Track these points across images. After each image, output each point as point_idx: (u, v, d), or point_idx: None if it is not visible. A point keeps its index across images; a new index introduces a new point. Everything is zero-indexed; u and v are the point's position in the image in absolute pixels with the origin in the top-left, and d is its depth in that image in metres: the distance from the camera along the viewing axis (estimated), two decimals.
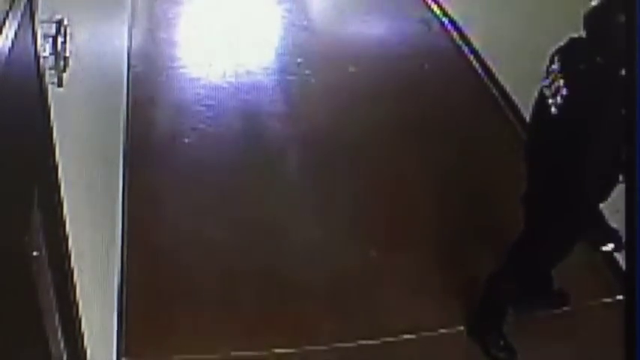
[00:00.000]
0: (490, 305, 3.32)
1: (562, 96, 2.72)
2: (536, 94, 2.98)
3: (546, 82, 2.83)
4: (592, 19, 2.65)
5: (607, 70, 2.55)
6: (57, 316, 1.94)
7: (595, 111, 2.60)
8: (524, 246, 3.10)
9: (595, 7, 2.65)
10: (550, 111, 2.77)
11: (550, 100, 2.77)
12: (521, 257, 3.13)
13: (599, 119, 2.58)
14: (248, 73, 5.38)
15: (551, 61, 2.84)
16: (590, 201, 2.77)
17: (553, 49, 2.87)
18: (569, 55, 2.79)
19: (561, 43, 2.86)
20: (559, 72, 2.77)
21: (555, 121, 2.78)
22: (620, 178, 2.61)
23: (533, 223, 3.05)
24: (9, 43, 1.47)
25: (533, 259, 3.13)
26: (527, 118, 4.59)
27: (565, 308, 3.49)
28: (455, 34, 5.82)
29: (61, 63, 1.93)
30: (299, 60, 5.54)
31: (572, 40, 2.82)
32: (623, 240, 3.37)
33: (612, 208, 2.83)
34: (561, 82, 2.74)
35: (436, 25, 6.01)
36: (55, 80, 1.95)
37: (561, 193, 2.78)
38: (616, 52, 2.48)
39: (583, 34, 2.71)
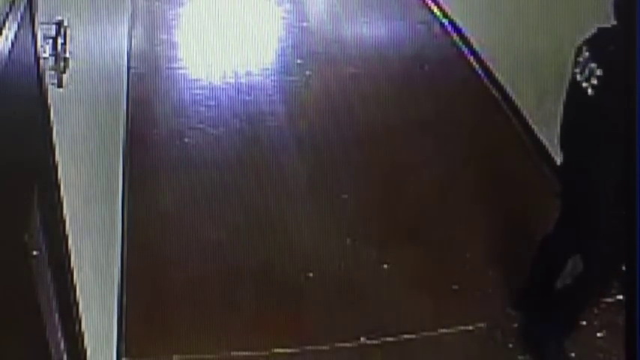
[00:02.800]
0: (541, 273, 3.34)
1: (597, 77, 2.74)
2: (565, 92, 3.00)
3: (578, 70, 2.87)
4: (621, 5, 2.66)
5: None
6: (57, 316, 1.94)
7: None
8: (566, 219, 3.15)
9: None
10: (586, 93, 2.80)
11: (584, 84, 2.81)
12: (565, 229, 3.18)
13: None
14: (248, 73, 5.39)
15: (579, 52, 2.88)
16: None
17: (580, 40, 2.90)
18: (598, 43, 2.82)
19: (587, 35, 2.88)
20: (589, 59, 2.80)
21: (593, 100, 2.79)
22: None
23: (573, 194, 3.09)
24: (9, 45, 1.47)
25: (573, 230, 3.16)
26: (527, 118, 4.64)
27: None
28: (455, 35, 5.83)
29: (61, 64, 1.93)
30: (299, 61, 5.54)
31: (601, 30, 2.84)
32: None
33: None
34: (593, 65, 2.77)
35: (436, 27, 6.02)
36: (55, 81, 1.95)
37: (599, 162, 2.83)
38: None
39: (607, 25, 2.73)
